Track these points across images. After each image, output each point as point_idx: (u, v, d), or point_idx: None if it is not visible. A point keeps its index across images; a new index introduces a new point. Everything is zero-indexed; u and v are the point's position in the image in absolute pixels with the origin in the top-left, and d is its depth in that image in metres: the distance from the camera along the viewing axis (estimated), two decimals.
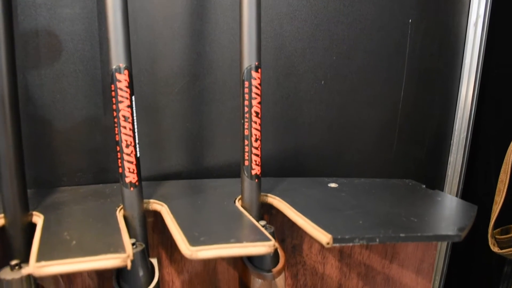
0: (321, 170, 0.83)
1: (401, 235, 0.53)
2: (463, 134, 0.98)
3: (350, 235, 0.51)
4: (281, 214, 0.70)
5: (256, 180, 0.62)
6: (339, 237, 0.51)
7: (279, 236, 0.74)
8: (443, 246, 0.83)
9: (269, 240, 0.49)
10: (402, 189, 0.75)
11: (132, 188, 0.58)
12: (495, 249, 0.89)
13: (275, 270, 0.60)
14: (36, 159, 0.68)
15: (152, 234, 0.70)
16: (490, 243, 0.90)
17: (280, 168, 0.81)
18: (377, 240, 0.52)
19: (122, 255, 0.46)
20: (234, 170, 0.77)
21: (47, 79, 0.66)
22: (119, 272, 0.57)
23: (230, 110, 0.75)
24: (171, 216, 0.57)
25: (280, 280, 0.60)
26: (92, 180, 0.72)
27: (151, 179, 0.73)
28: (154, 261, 0.60)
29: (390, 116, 0.87)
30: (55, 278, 0.62)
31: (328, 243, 0.51)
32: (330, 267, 0.77)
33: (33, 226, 0.56)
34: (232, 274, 0.73)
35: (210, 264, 0.72)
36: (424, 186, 0.76)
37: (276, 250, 0.61)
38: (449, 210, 0.66)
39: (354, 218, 0.57)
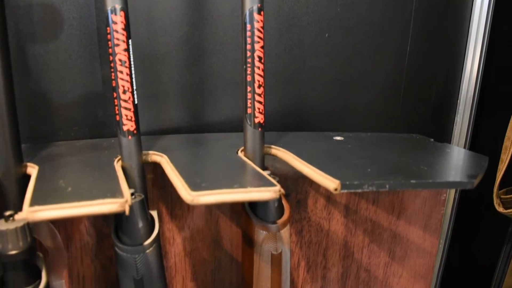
0: (325, 126, 0.81)
1: (412, 181, 0.51)
2: (470, 93, 0.95)
3: (359, 181, 0.49)
4: (285, 168, 0.68)
5: (260, 129, 0.59)
6: (347, 183, 0.49)
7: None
8: (449, 205, 0.81)
9: (274, 185, 0.47)
10: (410, 142, 0.73)
11: (130, 137, 0.55)
12: (500, 209, 0.88)
13: (280, 221, 0.58)
14: (30, 112, 0.65)
15: (152, 189, 0.68)
16: (495, 203, 0.88)
17: (283, 124, 0.78)
18: (387, 186, 0.50)
19: (120, 200, 0.44)
20: (236, 126, 0.74)
21: (38, 27, 0.63)
22: (117, 225, 0.55)
23: (231, 62, 0.72)
24: (171, 165, 0.55)
25: (285, 232, 0.58)
26: (89, 135, 0.70)
27: (150, 134, 0.71)
28: (154, 213, 0.58)
29: (396, 72, 0.84)
30: (51, 231, 0.60)
31: (336, 189, 0.48)
32: (336, 223, 0.75)
33: (27, 178, 0.54)
34: (235, 230, 0.72)
35: (212, 220, 0.70)
36: (432, 139, 0.74)
37: (280, 202, 0.59)
38: (459, 160, 0.64)
39: (362, 166, 0.55)
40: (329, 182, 0.49)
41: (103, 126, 0.70)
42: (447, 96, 0.92)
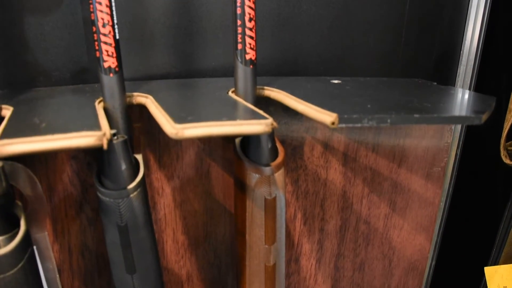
0: (322, 74, 0.77)
1: (415, 115, 0.48)
2: (474, 43, 0.91)
3: (358, 114, 0.46)
4: (279, 113, 0.64)
5: (251, 66, 0.56)
6: (345, 116, 0.45)
7: (277, 137, 0.69)
8: (452, 154, 0.78)
9: (266, 118, 0.44)
10: (412, 84, 0.69)
11: (111, 74, 0.52)
12: (507, 160, 0.85)
13: (273, 164, 0.55)
14: (6, 57, 0.62)
15: (138, 137, 0.64)
16: (502, 155, 0.86)
17: (278, 71, 0.74)
18: (389, 121, 0.47)
19: (97, 133, 0.41)
20: (228, 71, 0.71)
21: None
22: (99, 169, 0.52)
23: (223, 3, 0.68)
24: (156, 104, 0.51)
25: (279, 176, 0.55)
26: (71, 81, 0.66)
27: (135, 80, 0.67)
28: (139, 157, 0.55)
29: (396, 19, 0.80)
30: (30, 179, 0.57)
31: (333, 123, 0.45)
32: (334, 172, 0.72)
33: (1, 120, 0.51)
34: (227, 180, 0.69)
35: (202, 169, 0.67)
36: (435, 83, 0.71)
37: (274, 144, 0.56)
38: (465, 100, 0.60)
39: (362, 103, 0.52)
40: (326, 116, 0.46)
41: (86, 72, 0.66)
42: (450, 46, 0.88)
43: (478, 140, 0.92)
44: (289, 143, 0.69)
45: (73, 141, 0.40)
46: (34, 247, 0.60)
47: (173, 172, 0.67)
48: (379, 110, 0.49)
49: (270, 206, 0.56)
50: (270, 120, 0.44)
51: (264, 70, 0.72)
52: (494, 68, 0.95)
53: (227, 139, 0.67)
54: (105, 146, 0.41)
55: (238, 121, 0.43)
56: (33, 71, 0.64)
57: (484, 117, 0.51)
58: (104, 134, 0.41)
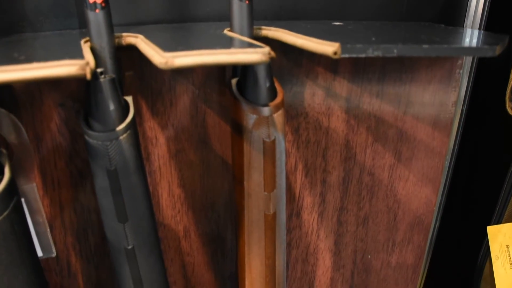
0: (322, 19, 0.74)
1: (424, 46, 0.45)
2: None
3: (362, 44, 0.43)
4: (279, 56, 0.61)
5: (247, 2, 0.53)
6: (348, 46, 0.42)
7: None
8: (459, 102, 0.74)
9: (262, 47, 0.41)
10: (419, 26, 0.66)
11: (97, 10, 0.49)
12: None
13: (272, 104, 0.52)
14: None
15: (129, 85, 0.61)
16: (507, 106, 0.83)
17: (276, 16, 0.71)
18: (395, 51, 0.44)
19: (80, 62, 0.37)
20: (223, 17, 0.67)
21: None
22: (87, 111, 0.49)
23: None
24: (147, 41, 0.48)
25: (278, 117, 0.52)
26: (57, 26, 0.62)
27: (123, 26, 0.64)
28: (129, 99, 0.52)
29: None
30: (15, 124, 0.54)
31: (335, 53, 0.42)
32: (336, 119, 0.69)
33: None
34: (224, 129, 0.66)
35: (198, 116, 0.65)
36: (442, 25, 0.68)
37: (272, 83, 0.53)
38: (475, 37, 0.57)
39: (366, 37, 0.49)
40: (327, 47, 0.43)
41: (72, 17, 0.62)
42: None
43: (485, 90, 0.90)
44: (289, 89, 0.66)
45: (53, 70, 0.37)
46: (22, 199, 0.58)
47: (167, 120, 0.64)
48: (384, 41, 0.46)
49: (269, 149, 0.53)
50: (267, 48, 0.41)
51: (262, 16, 0.68)
52: (503, 17, 0.91)
53: (223, 82, 0.63)
54: (88, 76, 0.38)
55: (233, 49, 0.40)
56: (15, 16, 0.60)
57: (498, 49, 0.48)
58: (88, 64, 0.38)
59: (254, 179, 0.55)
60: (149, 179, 0.67)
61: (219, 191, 0.71)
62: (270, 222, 0.58)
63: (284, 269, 0.63)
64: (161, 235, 0.72)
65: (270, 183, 0.55)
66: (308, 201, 0.75)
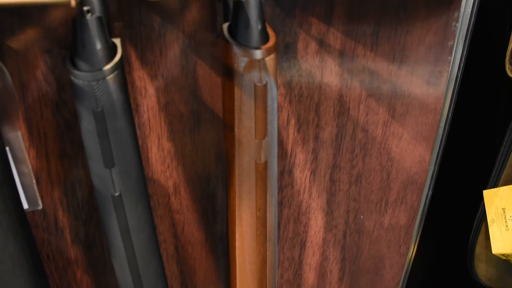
0: None
1: None
2: None
3: None
4: (270, 7, 0.60)
5: None
6: None
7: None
8: (457, 55, 0.73)
9: None
10: None
11: None
12: None
13: (264, 47, 0.51)
14: None
15: (118, 34, 0.60)
16: (506, 68, 0.82)
17: None
18: None
19: None
20: None
21: None
22: (73, 52, 0.48)
23: None
24: None
25: (270, 61, 0.51)
26: None
27: None
28: (117, 41, 0.51)
29: None
30: None
31: None
32: (329, 73, 0.68)
33: None
34: (215, 80, 0.65)
35: (188, 67, 0.63)
36: None
37: (264, 26, 0.52)
38: None
39: None
40: None
41: None
42: None
43: (483, 48, 0.89)
44: (281, 39, 0.65)
45: None
46: (7, 148, 0.57)
47: (157, 70, 0.63)
48: None
49: (260, 94, 0.52)
50: None
51: None
52: None
53: (215, 32, 0.62)
54: (72, 3, 0.37)
55: None
56: None
57: None
58: None
59: (245, 125, 0.54)
60: (138, 132, 0.66)
61: (209, 147, 0.70)
62: (261, 172, 0.57)
63: (275, 223, 0.63)
64: (150, 192, 0.71)
65: (261, 130, 0.54)
66: (300, 158, 0.75)
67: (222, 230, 0.78)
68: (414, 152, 0.78)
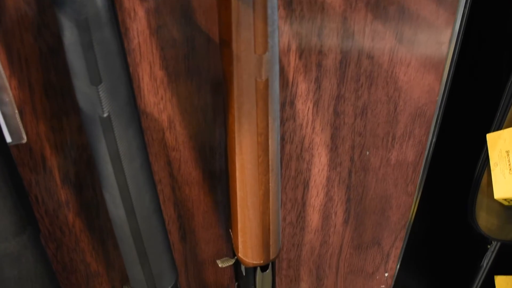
0: None
1: None
2: None
3: None
4: None
5: None
6: None
7: None
8: None
9: None
10: None
11: None
12: None
13: None
14: None
15: None
16: None
17: None
18: None
19: None
20: None
21: None
22: None
23: None
24: None
25: None
26: None
27: None
28: None
29: None
30: None
31: None
32: None
33: None
34: (210, 1, 0.60)
35: None
36: None
37: None
38: None
39: None
40: None
41: None
42: None
43: None
44: None
45: None
46: None
47: None
48: None
49: (259, 2, 0.48)
50: None
51: None
52: None
53: None
54: None
55: None
56: None
57: None
58: None
59: (243, 38, 0.49)
60: (128, 59, 0.61)
61: (205, 75, 0.66)
62: (262, 91, 0.53)
63: (278, 151, 0.59)
64: (143, 126, 0.67)
65: (262, 43, 0.50)
66: (302, 87, 0.70)
67: (221, 168, 0.74)
68: (422, 81, 0.74)
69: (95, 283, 0.81)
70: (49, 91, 0.61)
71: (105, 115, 0.48)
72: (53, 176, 0.67)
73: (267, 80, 0.52)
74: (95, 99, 0.48)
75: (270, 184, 0.60)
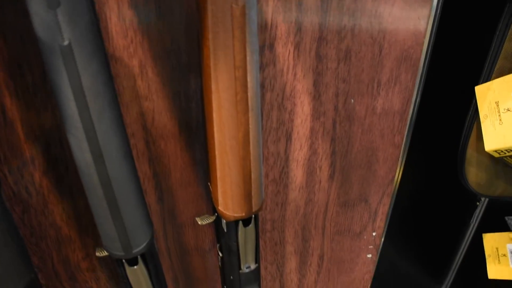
0: None
1: None
2: None
3: None
4: None
5: None
6: None
7: None
8: None
9: None
10: None
11: None
12: None
13: None
14: None
15: None
16: None
17: None
18: None
19: None
20: None
21: None
22: None
23: None
24: None
25: None
26: None
27: None
28: None
29: None
30: None
31: None
32: None
33: None
34: None
35: None
36: None
37: None
38: None
39: None
40: None
41: None
42: None
43: None
44: None
45: None
46: None
47: None
48: None
49: None
50: None
51: None
52: None
53: None
54: None
55: None
56: None
57: None
58: None
59: None
60: None
61: (178, 14, 0.61)
62: (239, 18, 0.48)
63: (257, 88, 0.55)
64: (113, 73, 0.62)
65: None
66: (282, 29, 0.66)
67: (198, 119, 0.70)
68: (408, 22, 0.70)
69: (68, 249, 0.77)
70: (7, 34, 0.56)
71: (65, 43, 0.44)
72: (15, 129, 0.63)
73: (243, 7, 0.48)
74: (54, 24, 0.43)
75: (250, 126, 0.56)
